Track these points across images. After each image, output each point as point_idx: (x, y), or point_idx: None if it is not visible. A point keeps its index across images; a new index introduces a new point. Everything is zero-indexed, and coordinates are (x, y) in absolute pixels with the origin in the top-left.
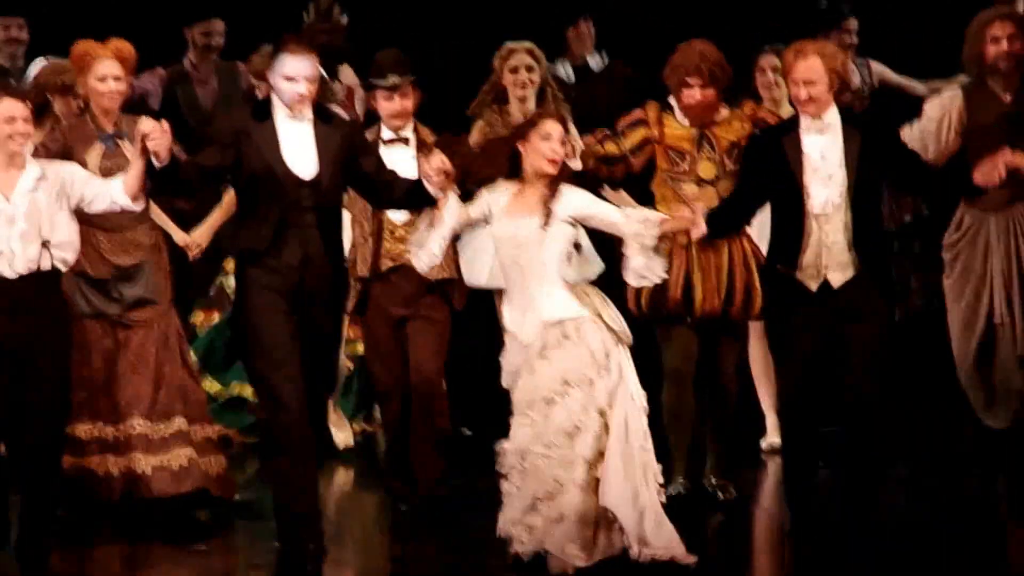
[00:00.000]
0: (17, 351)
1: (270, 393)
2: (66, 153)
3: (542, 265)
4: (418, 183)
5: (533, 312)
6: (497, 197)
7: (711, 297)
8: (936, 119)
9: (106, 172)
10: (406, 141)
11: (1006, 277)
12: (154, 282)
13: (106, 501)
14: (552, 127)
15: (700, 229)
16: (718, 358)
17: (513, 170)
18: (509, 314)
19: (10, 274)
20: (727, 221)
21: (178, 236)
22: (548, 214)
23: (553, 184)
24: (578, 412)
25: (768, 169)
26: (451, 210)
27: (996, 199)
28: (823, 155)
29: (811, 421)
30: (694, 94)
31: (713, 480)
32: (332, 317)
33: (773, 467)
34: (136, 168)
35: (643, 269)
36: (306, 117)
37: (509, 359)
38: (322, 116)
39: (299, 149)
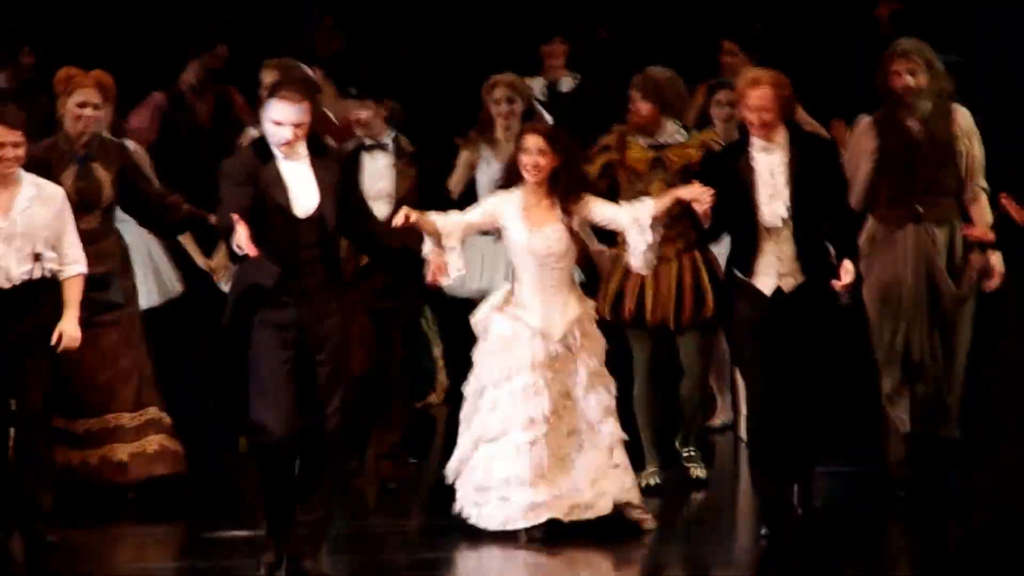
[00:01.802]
0: (9, 355)
1: (255, 419)
2: (44, 171)
3: (569, 269)
4: (383, 244)
5: (561, 310)
6: (505, 206)
7: (663, 306)
8: (851, 150)
9: (81, 192)
10: (384, 148)
11: (913, 291)
12: (122, 287)
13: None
14: (528, 140)
15: (705, 203)
16: (680, 353)
17: (513, 180)
18: (534, 314)
19: (5, 285)
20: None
21: (201, 261)
22: (570, 224)
23: (561, 193)
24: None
25: (723, 185)
26: (454, 229)
27: (902, 215)
28: (771, 172)
29: (773, 412)
30: (637, 108)
31: (684, 455)
32: (340, 344)
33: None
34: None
35: (645, 249)
36: (301, 155)
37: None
38: (316, 150)
39: (300, 186)
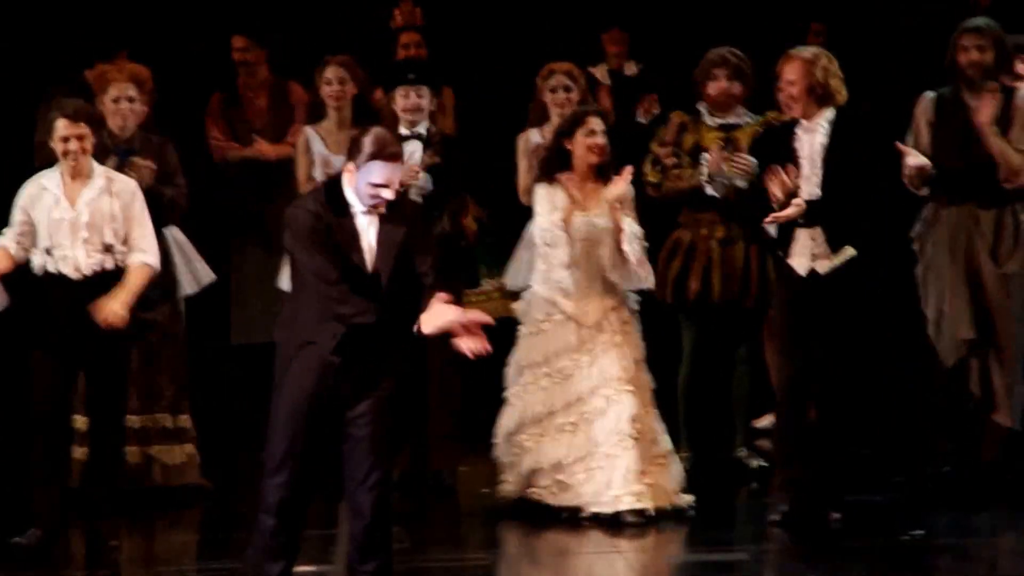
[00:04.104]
0: (80, 343)
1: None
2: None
3: (611, 257)
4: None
5: (599, 296)
6: (555, 193)
7: (729, 288)
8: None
9: None
10: (420, 137)
11: (953, 271)
12: (163, 286)
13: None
14: (595, 122)
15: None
16: (738, 343)
17: (559, 166)
18: (568, 296)
19: (75, 276)
20: (755, 208)
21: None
22: (616, 212)
23: (606, 178)
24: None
25: (768, 162)
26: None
27: (949, 196)
28: (809, 153)
29: (803, 397)
30: (720, 84)
31: (743, 452)
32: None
33: None
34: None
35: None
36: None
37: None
38: (390, 205)
39: (366, 246)
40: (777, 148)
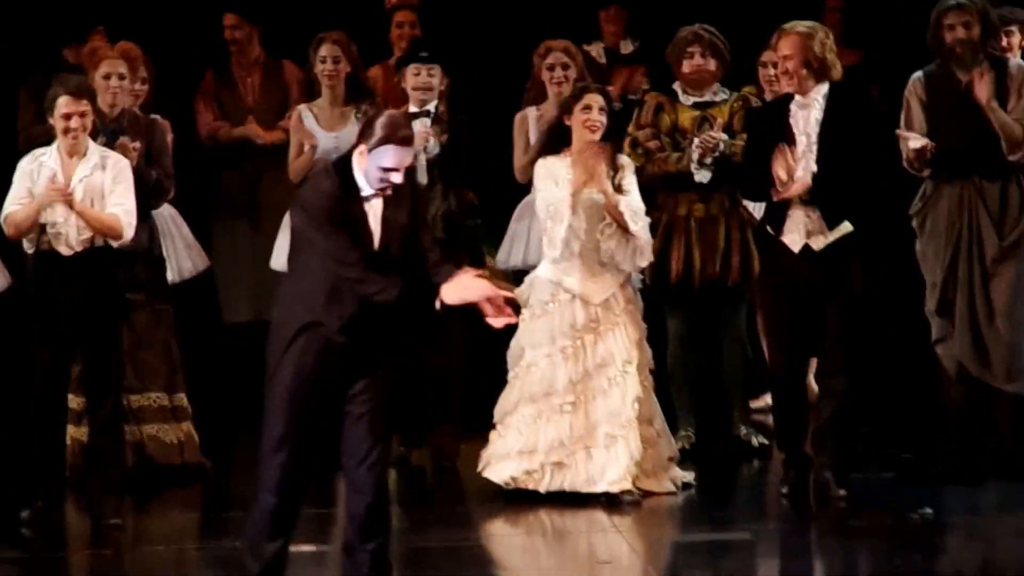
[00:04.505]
0: (74, 322)
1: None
2: None
3: (613, 234)
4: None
5: (602, 275)
6: (557, 169)
7: (710, 267)
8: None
9: None
10: (428, 114)
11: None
12: (149, 266)
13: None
14: (592, 99)
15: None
16: (725, 322)
17: (559, 143)
18: (571, 276)
19: (66, 251)
20: (747, 187)
21: None
22: (619, 188)
23: (609, 155)
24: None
25: (763, 138)
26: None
27: (950, 172)
28: (804, 128)
29: (798, 376)
30: (694, 62)
31: (743, 430)
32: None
33: None
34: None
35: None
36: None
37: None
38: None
39: (372, 227)
40: (771, 125)
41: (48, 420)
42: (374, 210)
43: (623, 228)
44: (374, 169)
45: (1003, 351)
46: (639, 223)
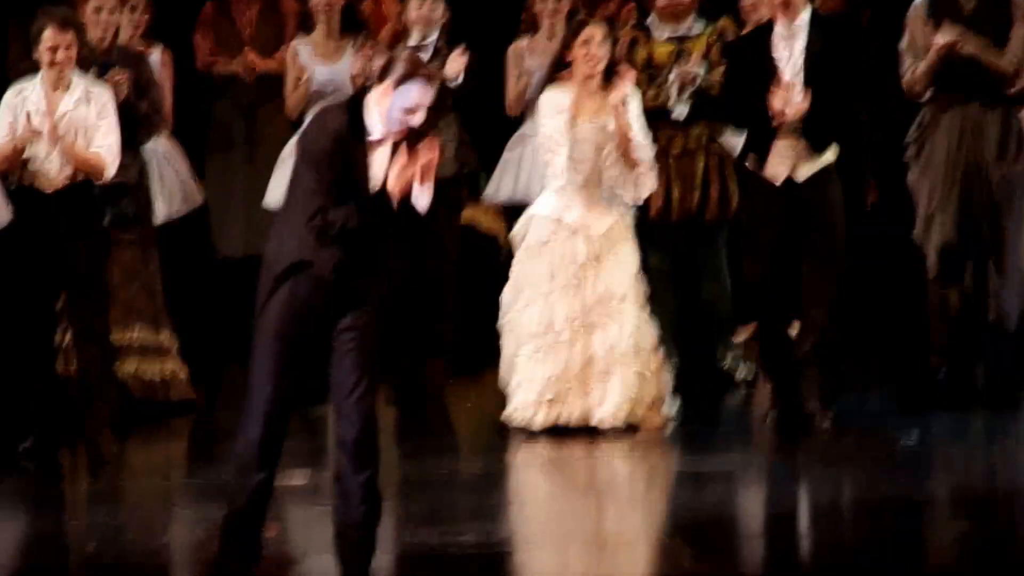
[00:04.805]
0: (56, 259)
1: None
2: None
3: (614, 164)
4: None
5: (602, 208)
6: (559, 100)
7: (688, 202)
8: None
9: None
10: (427, 48)
11: (955, 174)
12: (137, 203)
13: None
14: (591, 32)
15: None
16: (706, 255)
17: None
18: (572, 210)
19: (47, 189)
20: (732, 119)
21: None
22: (622, 117)
23: (612, 85)
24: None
25: (746, 70)
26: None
27: (951, 99)
28: (790, 57)
29: (781, 308)
30: None
31: (728, 361)
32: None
33: None
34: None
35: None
36: None
37: (556, 254)
38: None
39: (375, 170)
40: (753, 56)
41: (36, 356)
42: (380, 154)
43: (626, 157)
44: (396, 109)
45: (1000, 287)
46: (644, 151)
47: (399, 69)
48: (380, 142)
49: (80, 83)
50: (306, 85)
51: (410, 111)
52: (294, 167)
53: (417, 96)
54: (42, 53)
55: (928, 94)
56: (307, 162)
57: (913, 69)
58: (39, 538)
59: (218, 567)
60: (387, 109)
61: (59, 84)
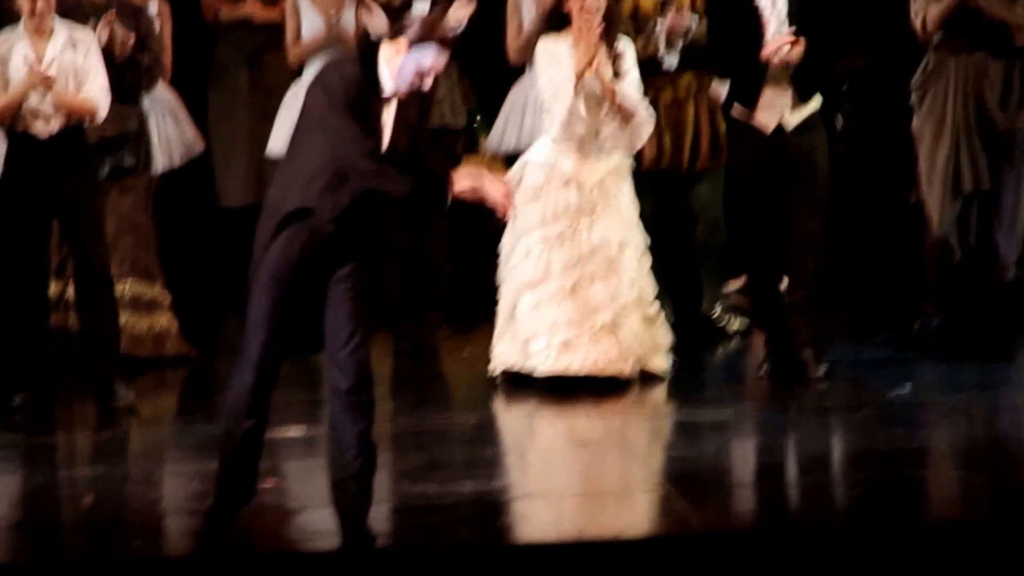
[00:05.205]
0: (56, 206)
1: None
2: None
3: (609, 117)
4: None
5: (596, 157)
6: (558, 50)
7: (679, 151)
8: None
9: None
10: None
11: (960, 119)
12: (135, 153)
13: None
14: None
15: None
16: (693, 199)
17: (559, 25)
18: (566, 160)
19: (44, 134)
20: (722, 70)
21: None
22: (619, 72)
23: (610, 38)
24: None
25: (730, 19)
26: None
27: (958, 45)
28: (774, 6)
29: (771, 258)
30: None
31: (718, 313)
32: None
33: None
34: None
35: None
36: None
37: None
38: None
39: (384, 124)
40: (737, 4)
41: (29, 307)
42: (388, 109)
43: (619, 111)
44: (409, 67)
45: (1003, 237)
46: (637, 104)
47: (415, 30)
48: (389, 98)
49: (62, 28)
50: (315, 39)
51: (422, 73)
52: (303, 115)
53: (431, 59)
54: (21, 2)
55: (936, 39)
56: (330, 110)
57: (925, 12)
58: (33, 492)
59: (213, 508)
60: (399, 68)
61: (42, 32)
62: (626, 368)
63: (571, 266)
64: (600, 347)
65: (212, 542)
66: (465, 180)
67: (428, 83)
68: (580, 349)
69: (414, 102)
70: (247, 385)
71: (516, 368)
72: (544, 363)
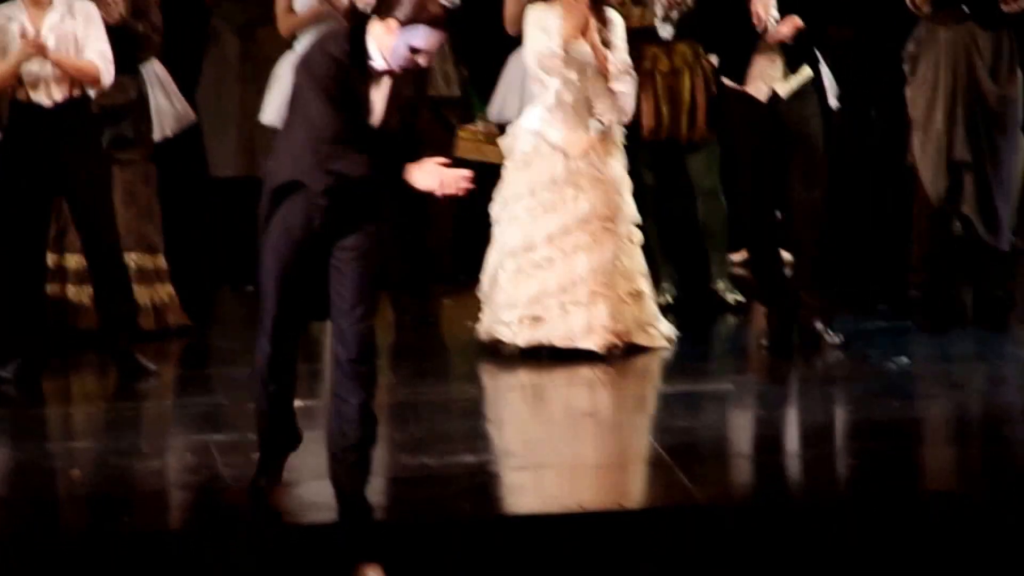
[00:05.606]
0: (60, 177)
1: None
2: None
3: (600, 88)
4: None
5: (586, 128)
6: (547, 19)
7: (677, 121)
8: None
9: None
10: None
11: (952, 89)
12: (136, 124)
13: (84, 330)
14: None
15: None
16: (691, 172)
17: None
18: (555, 129)
19: (48, 104)
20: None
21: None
22: (607, 42)
23: (598, 7)
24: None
25: None
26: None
27: (947, 16)
28: None
29: (771, 228)
30: None
31: (719, 285)
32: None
33: None
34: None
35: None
36: None
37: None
38: None
39: (375, 102)
40: None
41: (26, 276)
42: (381, 85)
43: (608, 80)
44: (402, 47)
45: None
46: (622, 80)
47: (409, 9)
48: (381, 75)
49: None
50: (307, 10)
51: (416, 51)
52: (294, 88)
53: (424, 38)
54: None
55: (928, 8)
56: (308, 87)
57: None
58: (23, 465)
59: (252, 481)
60: (392, 48)
61: (40, 3)
62: (603, 341)
63: (555, 237)
64: (574, 320)
65: (251, 514)
66: (419, 176)
67: (423, 61)
68: (553, 321)
69: (409, 78)
70: (266, 353)
71: (496, 336)
72: (519, 335)
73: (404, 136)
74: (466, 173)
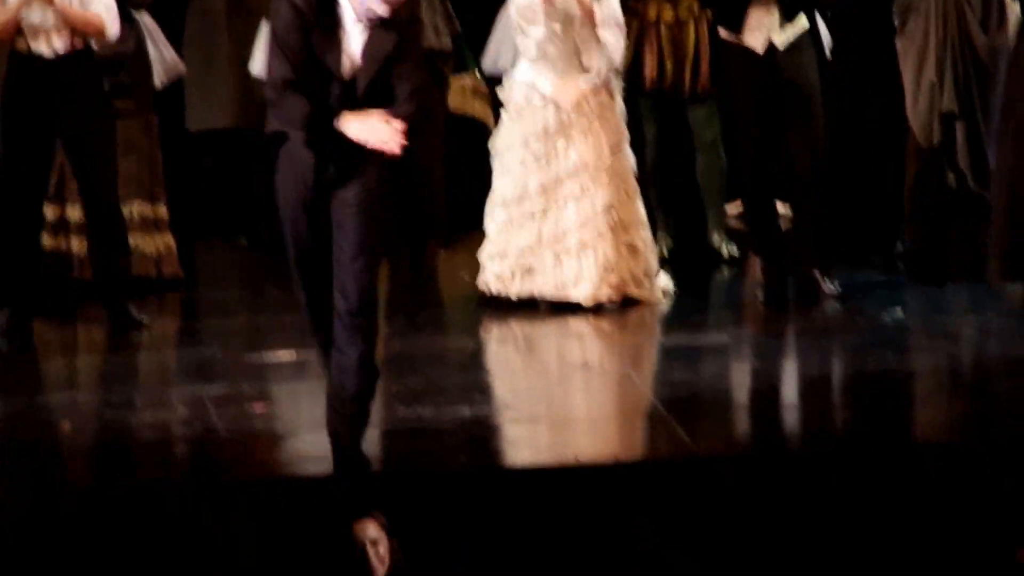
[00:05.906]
0: (60, 129)
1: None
2: None
3: (589, 39)
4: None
5: (576, 80)
6: None
7: (680, 73)
8: None
9: None
10: None
11: (942, 41)
12: (135, 74)
13: (88, 282)
14: None
15: None
16: (699, 127)
17: None
18: (545, 81)
19: (49, 54)
20: None
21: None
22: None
23: None
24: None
25: None
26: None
27: None
28: None
29: (767, 180)
30: None
31: (715, 238)
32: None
33: None
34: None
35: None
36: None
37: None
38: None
39: (351, 51)
40: None
41: (22, 227)
42: (353, 36)
43: (596, 31)
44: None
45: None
46: (609, 31)
47: None
48: (355, 22)
49: None
50: None
51: (381, 2)
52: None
53: None
54: None
55: None
56: (273, 39)
57: None
58: (13, 417)
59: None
60: None
61: None
62: (595, 293)
63: (547, 188)
64: (564, 271)
65: (338, 464)
66: (354, 126)
67: (381, 11)
68: (546, 272)
69: (391, 31)
70: (303, 305)
71: (490, 287)
72: (510, 286)
73: (381, 89)
74: (401, 127)
